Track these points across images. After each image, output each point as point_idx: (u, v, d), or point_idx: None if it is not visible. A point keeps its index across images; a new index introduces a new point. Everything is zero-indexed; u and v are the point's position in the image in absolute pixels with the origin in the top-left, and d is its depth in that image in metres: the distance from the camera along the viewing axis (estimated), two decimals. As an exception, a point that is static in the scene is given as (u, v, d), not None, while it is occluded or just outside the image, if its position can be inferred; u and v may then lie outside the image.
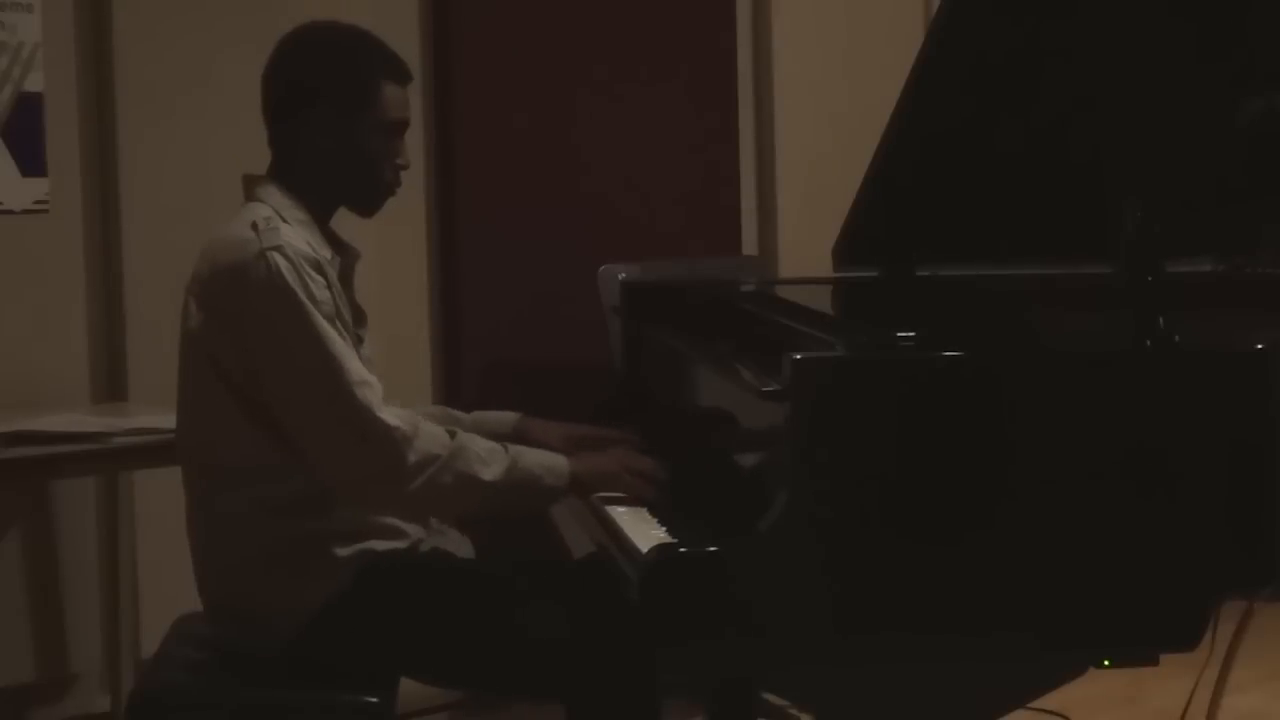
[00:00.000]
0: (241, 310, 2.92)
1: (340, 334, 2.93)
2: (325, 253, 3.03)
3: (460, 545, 3.26)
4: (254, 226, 2.95)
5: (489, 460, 2.93)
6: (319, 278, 2.94)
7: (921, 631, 2.65)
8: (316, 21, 3.16)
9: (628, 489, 3.02)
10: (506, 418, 3.32)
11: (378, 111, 3.05)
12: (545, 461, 2.99)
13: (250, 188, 3.08)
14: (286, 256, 2.92)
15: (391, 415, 2.89)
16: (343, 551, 2.97)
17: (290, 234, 2.97)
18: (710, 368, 3.22)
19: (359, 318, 3.12)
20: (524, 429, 3.29)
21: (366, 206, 3.12)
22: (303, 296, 2.90)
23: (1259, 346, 2.71)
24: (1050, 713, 4.01)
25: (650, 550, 2.65)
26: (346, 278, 3.10)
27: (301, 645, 2.95)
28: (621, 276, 3.88)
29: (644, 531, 2.86)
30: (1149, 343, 2.72)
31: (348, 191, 3.09)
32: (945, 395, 2.66)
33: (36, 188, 4.31)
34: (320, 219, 3.08)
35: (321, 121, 3.03)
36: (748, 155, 5.50)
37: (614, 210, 5.08)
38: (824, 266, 3.54)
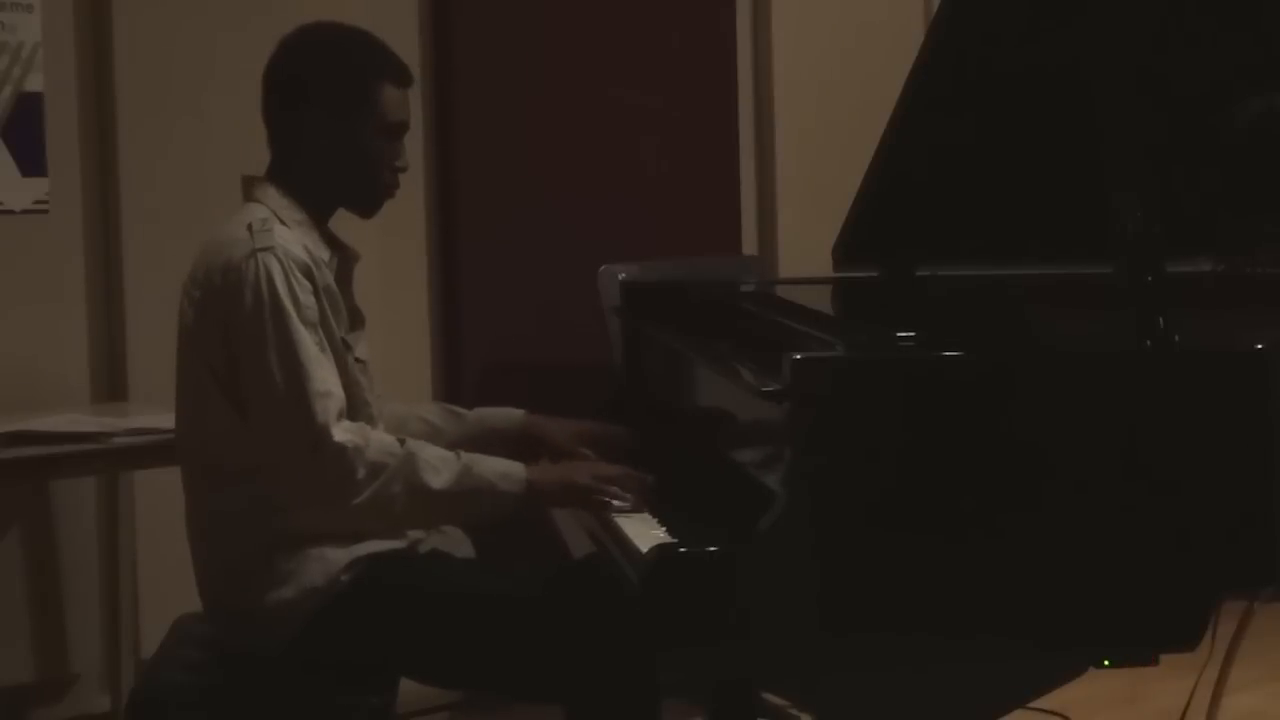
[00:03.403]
0: (229, 310, 2.93)
1: (319, 341, 2.93)
2: (323, 254, 3.03)
3: (460, 545, 3.26)
4: (249, 228, 2.96)
5: (440, 468, 2.92)
6: (306, 283, 2.95)
7: (921, 632, 2.65)
8: (318, 22, 3.16)
9: (593, 500, 3.00)
10: (513, 414, 3.32)
11: (377, 113, 3.05)
12: (501, 469, 2.97)
13: (249, 188, 3.08)
14: (277, 259, 2.92)
15: (343, 429, 2.88)
16: (342, 551, 2.97)
17: (285, 236, 2.97)
18: (710, 368, 3.22)
19: (356, 320, 3.12)
20: (531, 425, 3.29)
21: (365, 208, 3.12)
22: (286, 300, 2.90)
23: (1259, 346, 2.71)
24: (1050, 713, 4.01)
25: (650, 550, 2.65)
26: (345, 279, 3.10)
27: (301, 645, 2.94)
28: (621, 276, 3.88)
29: (644, 532, 2.86)
30: (1149, 343, 2.72)
31: (346, 192, 3.10)
32: (945, 395, 2.66)
33: (36, 188, 4.31)
34: (318, 220, 3.08)
35: (321, 121, 3.03)
36: (748, 155, 5.50)
37: (614, 210, 5.08)
38: (824, 266, 3.54)
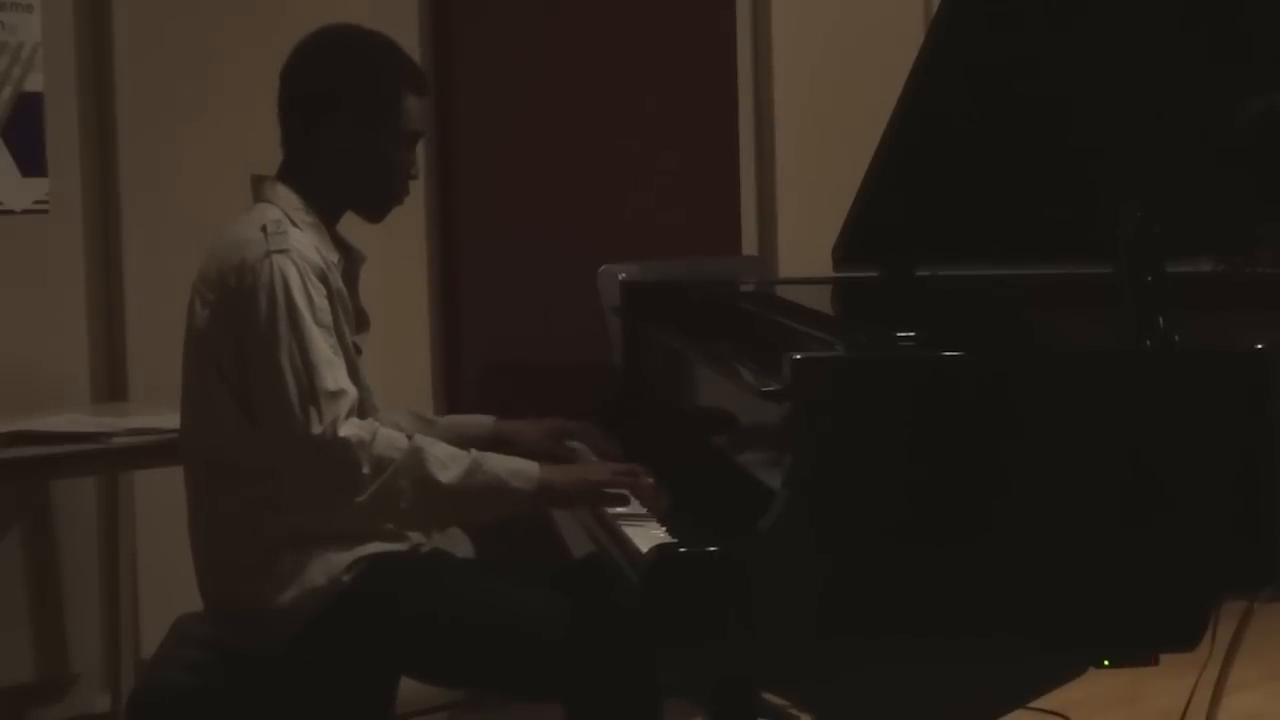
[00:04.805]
0: (243, 312, 2.92)
1: (331, 344, 2.93)
2: (332, 256, 3.03)
3: (460, 545, 3.26)
4: (263, 229, 2.95)
5: (449, 463, 2.89)
6: (320, 285, 2.95)
7: (921, 632, 2.65)
8: (339, 25, 3.15)
9: (606, 497, 2.98)
10: (483, 421, 3.32)
11: (398, 121, 3.05)
12: (512, 466, 2.94)
13: (259, 188, 3.08)
14: (292, 261, 2.92)
15: (350, 425, 2.87)
16: (343, 552, 2.97)
17: (298, 239, 2.97)
18: (710, 368, 3.22)
19: (362, 321, 3.12)
20: (501, 432, 3.28)
21: (375, 213, 3.13)
22: (300, 302, 2.90)
23: (1259, 346, 2.71)
24: (1050, 713, 4.01)
25: (650, 550, 2.65)
26: (351, 280, 3.11)
27: (302, 645, 2.94)
28: (621, 276, 3.88)
29: (644, 531, 2.86)
30: (1149, 343, 2.73)
31: (360, 197, 3.10)
32: (945, 395, 2.66)
33: (36, 188, 4.31)
34: (328, 222, 3.09)
35: (342, 127, 3.03)
36: (748, 155, 5.50)
37: (614, 210, 5.08)
38: (824, 266, 3.54)
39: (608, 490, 2.97)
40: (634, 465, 3.02)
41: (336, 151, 3.05)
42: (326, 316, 2.94)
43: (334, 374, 2.90)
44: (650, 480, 2.97)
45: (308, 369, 2.88)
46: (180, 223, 4.32)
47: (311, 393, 2.87)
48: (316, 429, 2.85)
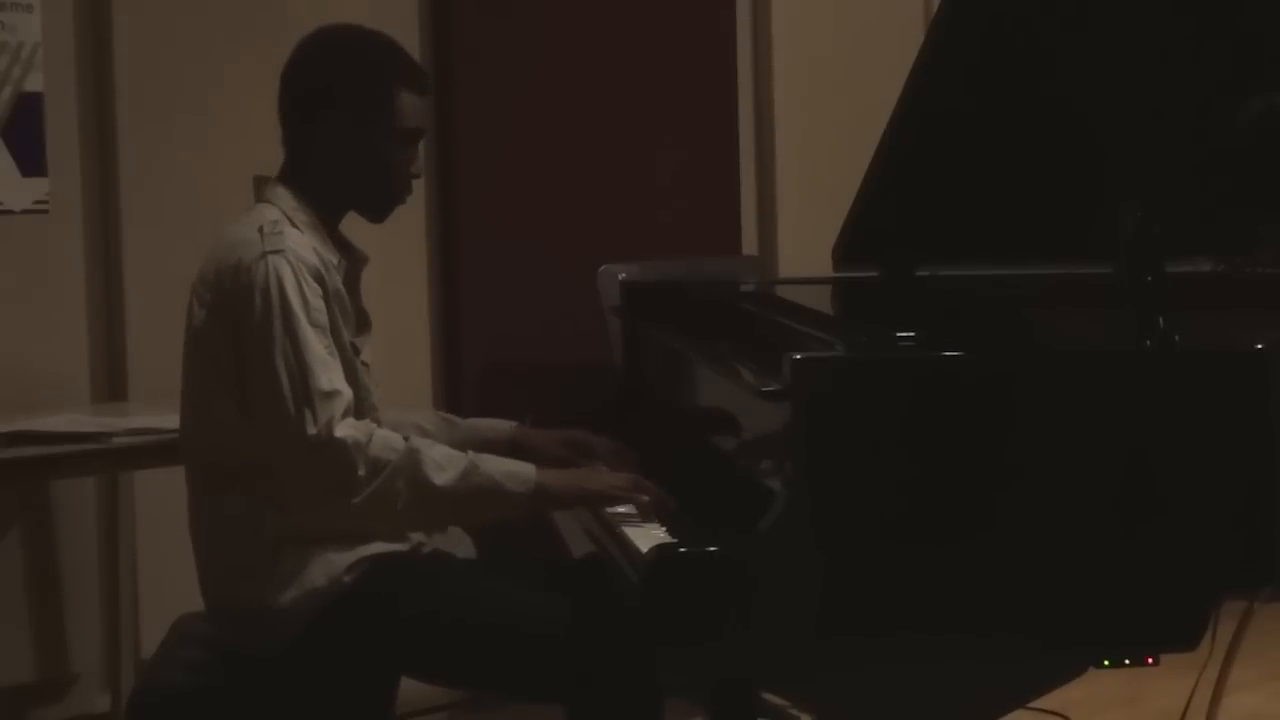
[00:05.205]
0: (239, 312, 2.93)
1: (327, 345, 2.93)
2: (332, 257, 3.03)
3: (461, 545, 3.25)
4: (260, 230, 2.95)
5: (445, 465, 2.90)
6: (316, 286, 2.95)
7: (921, 631, 2.65)
8: (339, 24, 3.16)
9: (600, 502, 3.00)
10: (503, 425, 3.32)
11: (395, 119, 3.05)
12: (509, 468, 2.95)
13: (260, 189, 3.08)
14: (288, 262, 2.92)
15: (346, 426, 2.87)
16: (344, 552, 2.96)
17: (295, 240, 2.97)
18: (710, 368, 3.22)
19: (363, 323, 3.12)
20: (520, 437, 3.28)
21: (376, 213, 3.12)
22: (295, 303, 2.90)
23: (1259, 346, 2.71)
24: (1050, 713, 4.01)
25: (650, 550, 2.65)
26: (353, 282, 3.10)
27: (302, 645, 2.94)
28: (621, 276, 3.88)
29: (644, 531, 2.86)
30: (1149, 343, 2.73)
31: (359, 197, 3.09)
32: (945, 395, 2.66)
33: (36, 188, 4.31)
34: (329, 223, 3.08)
35: (338, 125, 3.03)
36: (748, 155, 5.50)
37: (614, 210, 5.08)
38: (824, 266, 3.54)
39: (604, 501, 2.99)
40: (635, 477, 3.03)
41: (334, 150, 3.05)
42: (322, 317, 2.94)
43: (328, 374, 2.90)
44: (646, 499, 2.98)
45: (302, 369, 2.88)
46: (180, 223, 4.32)
47: (306, 393, 2.87)
48: (312, 429, 2.86)
